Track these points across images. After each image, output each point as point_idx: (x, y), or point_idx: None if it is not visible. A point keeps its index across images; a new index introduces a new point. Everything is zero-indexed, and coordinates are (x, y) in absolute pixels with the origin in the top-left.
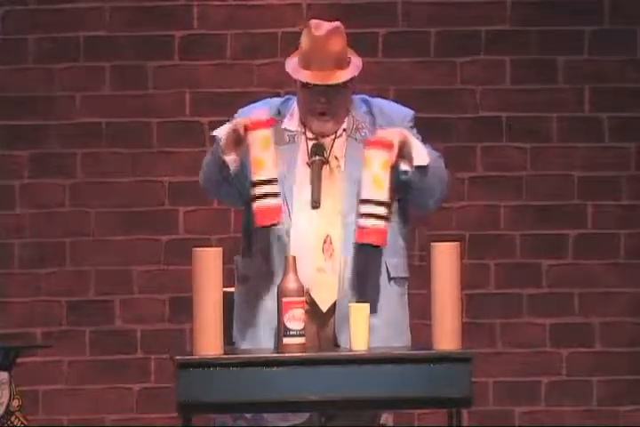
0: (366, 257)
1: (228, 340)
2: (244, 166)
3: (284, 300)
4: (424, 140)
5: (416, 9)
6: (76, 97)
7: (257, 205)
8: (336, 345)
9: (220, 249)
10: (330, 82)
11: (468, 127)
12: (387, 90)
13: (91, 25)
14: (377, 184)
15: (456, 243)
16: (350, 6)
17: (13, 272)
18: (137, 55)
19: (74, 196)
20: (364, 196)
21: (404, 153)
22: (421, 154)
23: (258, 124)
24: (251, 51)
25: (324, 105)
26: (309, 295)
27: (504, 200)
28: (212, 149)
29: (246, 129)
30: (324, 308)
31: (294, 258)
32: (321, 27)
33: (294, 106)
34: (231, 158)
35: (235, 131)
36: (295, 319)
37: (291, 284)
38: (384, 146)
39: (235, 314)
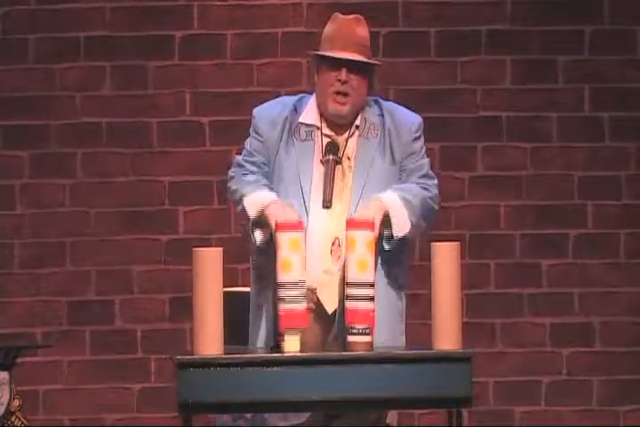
0: None
1: (244, 339)
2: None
3: None
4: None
5: (416, 9)
6: (76, 97)
7: (283, 307)
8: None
9: (220, 249)
10: (352, 57)
11: (468, 127)
12: (387, 90)
13: (91, 25)
14: (362, 267)
15: (456, 243)
16: (350, 6)
17: (13, 272)
18: (137, 55)
19: (74, 196)
20: (351, 279)
21: (385, 226)
22: (403, 224)
23: (288, 227)
24: (251, 51)
25: (344, 85)
26: (316, 296)
27: (504, 200)
28: (241, 199)
29: (277, 227)
30: (330, 309)
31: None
32: (347, 15)
33: (310, 102)
34: (259, 235)
35: (265, 217)
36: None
37: None
38: (366, 226)
39: (251, 313)
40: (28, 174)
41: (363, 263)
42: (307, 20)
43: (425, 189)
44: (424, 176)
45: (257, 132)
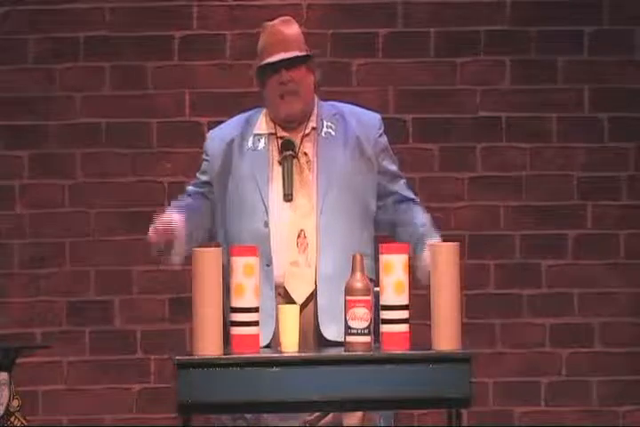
0: (340, 251)
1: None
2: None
3: (348, 298)
4: (391, 141)
5: (416, 9)
6: (75, 97)
7: (235, 332)
8: (320, 337)
9: (219, 249)
10: (288, 55)
11: (468, 127)
12: (387, 90)
13: (91, 25)
14: (399, 290)
15: (456, 243)
16: (350, 6)
17: (13, 272)
18: (137, 55)
19: (74, 196)
20: (387, 302)
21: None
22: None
23: (243, 252)
24: (251, 51)
25: (288, 85)
26: (284, 288)
27: (504, 200)
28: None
29: (231, 252)
30: (300, 300)
31: (361, 256)
32: (274, 20)
33: (263, 111)
34: (176, 257)
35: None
36: (357, 318)
37: (357, 283)
38: (400, 249)
39: None
40: (28, 174)
41: (400, 286)
42: (306, 20)
43: (423, 209)
44: (408, 186)
45: (206, 153)
